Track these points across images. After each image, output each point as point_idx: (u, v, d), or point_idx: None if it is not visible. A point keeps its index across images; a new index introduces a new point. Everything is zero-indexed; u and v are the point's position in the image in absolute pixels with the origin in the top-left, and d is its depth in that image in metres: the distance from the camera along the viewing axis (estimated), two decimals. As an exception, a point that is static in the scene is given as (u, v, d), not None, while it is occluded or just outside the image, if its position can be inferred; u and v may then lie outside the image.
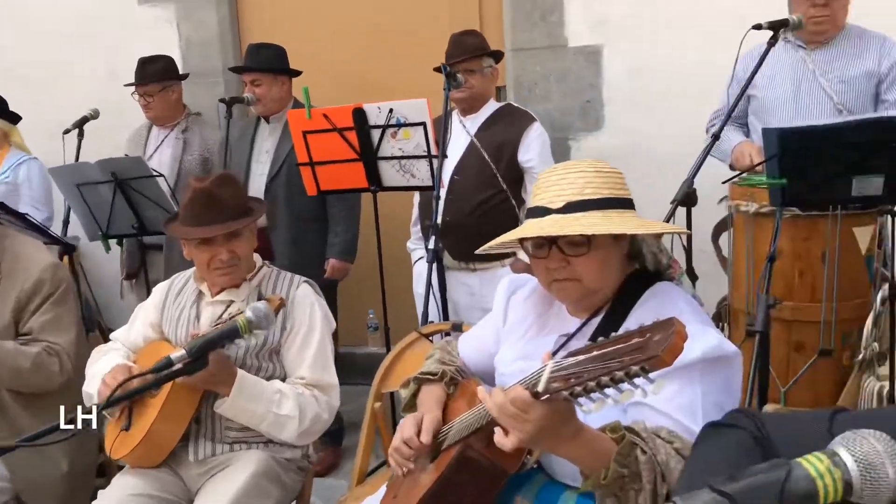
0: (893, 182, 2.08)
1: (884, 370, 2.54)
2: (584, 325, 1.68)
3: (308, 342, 2.29)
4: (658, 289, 1.64)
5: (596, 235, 1.56)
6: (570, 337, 1.69)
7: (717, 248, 3.14)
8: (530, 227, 1.62)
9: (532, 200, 1.68)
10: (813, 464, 0.69)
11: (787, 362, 2.79)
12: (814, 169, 2.08)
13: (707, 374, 1.47)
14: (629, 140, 3.78)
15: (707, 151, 2.38)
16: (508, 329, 1.86)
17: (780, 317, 2.62)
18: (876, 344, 2.57)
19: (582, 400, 1.20)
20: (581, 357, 1.22)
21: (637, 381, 1.10)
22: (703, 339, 1.47)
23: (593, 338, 1.58)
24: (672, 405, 1.45)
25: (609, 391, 1.14)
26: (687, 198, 2.33)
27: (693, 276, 2.46)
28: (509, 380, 1.47)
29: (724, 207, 2.99)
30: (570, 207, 1.59)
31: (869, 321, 2.57)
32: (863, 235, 2.59)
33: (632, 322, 1.57)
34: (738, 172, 2.71)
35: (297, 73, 3.67)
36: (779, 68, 2.94)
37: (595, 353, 1.20)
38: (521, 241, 1.70)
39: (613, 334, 1.20)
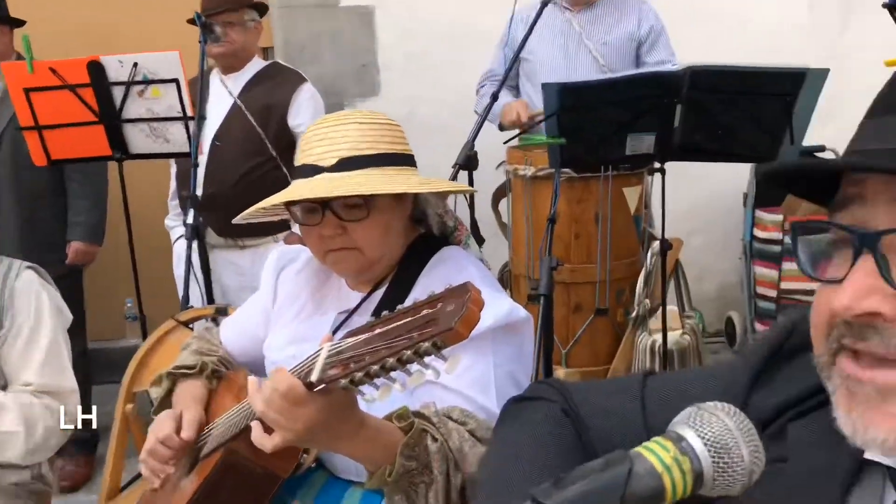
0: (664, 139, 2.10)
1: (655, 324, 2.64)
2: (365, 298, 1.49)
3: (34, 340, 1.89)
4: (446, 254, 1.48)
5: (375, 196, 1.36)
6: (351, 313, 1.49)
7: (498, 213, 3.11)
8: (298, 189, 1.39)
9: (299, 158, 1.45)
10: (657, 454, 0.55)
11: (567, 324, 2.83)
12: (591, 127, 2.05)
13: (499, 343, 1.35)
14: (407, 108, 3.64)
15: (487, 111, 2.29)
16: (279, 309, 1.62)
17: (559, 279, 2.63)
18: (647, 301, 2.67)
19: (365, 388, 1.00)
20: (361, 337, 1.03)
21: (428, 359, 0.93)
22: (495, 306, 1.33)
23: (376, 312, 1.39)
24: (463, 381, 1.30)
25: (396, 374, 0.96)
26: (468, 161, 2.23)
27: (480, 239, 2.37)
28: None
29: (502, 173, 2.96)
30: (344, 164, 1.38)
31: (640, 279, 2.65)
32: (631, 196, 2.67)
33: (419, 292, 1.40)
34: (518, 132, 2.67)
35: (20, 23, 3.09)
36: (547, 31, 2.95)
37: (378, 330, 1.01)
38: (288, 206, 1.46)
39: (399, 307, 1.02)
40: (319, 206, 1.38)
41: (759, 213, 3.76)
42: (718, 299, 4.14)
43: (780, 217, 3.64)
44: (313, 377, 1.05)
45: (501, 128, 2.90)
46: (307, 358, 1.11)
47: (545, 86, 2.05)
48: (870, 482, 0.69)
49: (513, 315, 1.36)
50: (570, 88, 2.01)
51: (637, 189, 2.69)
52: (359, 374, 0.97)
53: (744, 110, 1.96)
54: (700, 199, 3.94)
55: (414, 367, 0.95)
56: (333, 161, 1.38)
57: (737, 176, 3.76)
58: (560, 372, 2.16)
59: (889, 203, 0.58)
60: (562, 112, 1.99)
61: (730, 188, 3.91)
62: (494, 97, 2.37)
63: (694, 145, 2.11)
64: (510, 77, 3.07)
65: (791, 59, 2.83)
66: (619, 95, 2.04)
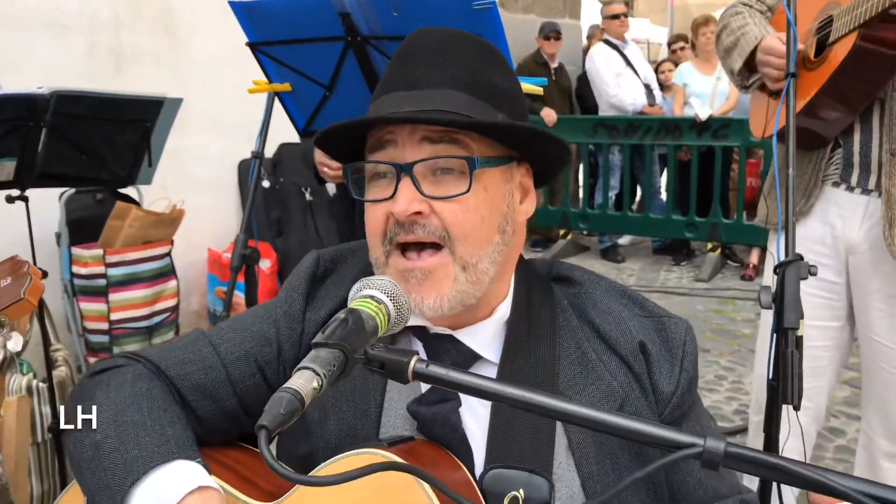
0: (26, 165, 2.08)
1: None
2: None
3: None
4: None
5: None
6: None
7: None
8: None
9: None
10: (367, 306, 0.80)
11: None
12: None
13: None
14: None
15: None
16: None
17: None
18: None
19: None
20: None
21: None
22: None
23: None
24: None
25: None
26: None
27: None
28: None
29: None
30: None
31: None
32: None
33: None
34: None
35: None
36: None
37: None
38: None
39: None
40: None
41: (77, 251, 3.84)
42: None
43: (100, 251, 3.79)
44: None
45: None
46: None
47: None
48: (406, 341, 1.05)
49: None
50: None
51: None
52: None
53: (107, 134, 2.12)
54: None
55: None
56: None
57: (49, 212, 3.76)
58: None
59: (413, 146, 0.96)
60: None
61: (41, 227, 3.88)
62: None
63: (56, 171, 2.15)
64: None
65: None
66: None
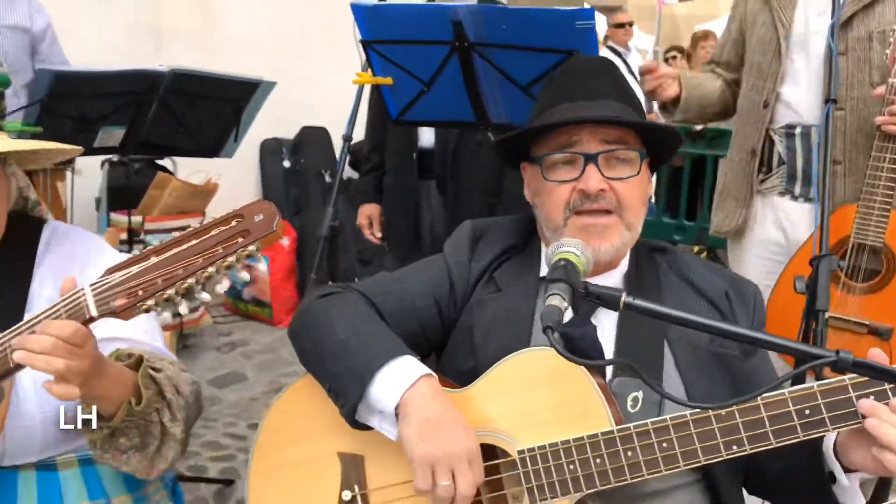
0: (132, 134, 2.30)
1: None
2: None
3: None
4: (57, 231, 1.47)
5: None
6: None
7: None
8: None
9: None
10: (574, 257, 1.13)
11: None
12: (75, 117, 2.11)
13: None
14: None
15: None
16: None
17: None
18: None
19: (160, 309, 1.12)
20: (143, 265, 1.13)
21: (250, 261, 1.13)
22: None
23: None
24: (138, 332, 1.40)
25: (218, 279, 1.11)
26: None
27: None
28: None
29: None
30: None
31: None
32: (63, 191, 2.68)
33: (45, 270, 1.39)
34: None
35: None
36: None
37: (169, 254, 1.13)
38: None
39: (178, 234, 1.15)
40: None
41: (116, 216, 4.04)
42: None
43: (139, 218, 3.99)
44: (93, 313, 1.09)
45: None
46: (54, 307, 1.12)
47: (39, 71, 2.00)
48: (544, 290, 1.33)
49: None
50: (66, 76, 2.02)
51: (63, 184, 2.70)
52: (168, 292, 1.10)
53: (205, 109, 2.34)
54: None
55: (222, 283, 1.13)
56: None
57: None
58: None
59: (597, 142, 1.28)
60: (49, 98, 2.00)
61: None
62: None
63: (155, 141, 2.37)
64: None
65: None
66: (111, 88, 2.14)
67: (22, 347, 1.10)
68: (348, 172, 5.69)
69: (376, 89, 2.16)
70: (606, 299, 1.05)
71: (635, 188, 1.30)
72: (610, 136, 1.28)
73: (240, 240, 1.11)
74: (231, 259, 1.10)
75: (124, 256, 1.35)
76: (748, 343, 1.12)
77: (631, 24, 6.59)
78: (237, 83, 2.34)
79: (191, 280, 1.10)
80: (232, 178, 5.05)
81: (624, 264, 1.37)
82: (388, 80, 2.08)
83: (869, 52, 2.05)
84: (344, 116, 2.43)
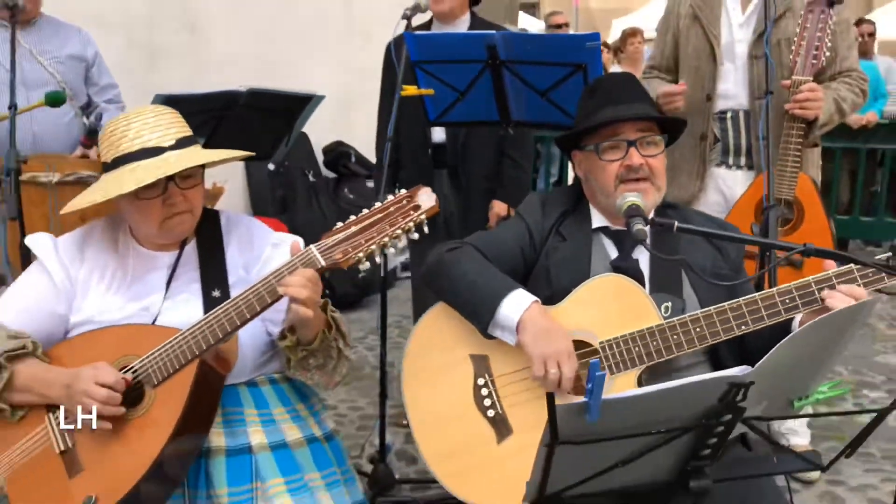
0: (208, 144, 2.76)
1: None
2: (181, 254, 1.85)
3: None
4: (229, 218, 1.97)
5: (205, 166, 1.82)
6: (175, 266, 1.83)
7: None
8: (153, 168, 1.69)
9: (123, 147, 1.72)
10: (638, 204, 1.72)
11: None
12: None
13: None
14: None
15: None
16: (83, 284, 1.78)
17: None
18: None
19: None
20: (340, 236, 1.65)
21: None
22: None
23: (203, 259, 1.82)
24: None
25: (400, 238, 1.65)
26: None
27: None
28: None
29: None
30: (181, 143, 1.77)
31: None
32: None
33: (233, 248, 1.89)
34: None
35: None
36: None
37: (353, 228, 1.65)
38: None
39: (366, 210, 1.67)
40: (163, 180, 1.72)
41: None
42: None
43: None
44: (322, 263, 1.61)
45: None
46: (289, 262, 1.63)
47: (155, 97, 2.43)
48: (599, 240, 1.91)
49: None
50: (174, 98, 2.45)
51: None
52: (372, 247, 1.63)
53: (263, 119, 2.80)
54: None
55: (401, 240, 1.66)
56: (173, 141, 1.75)
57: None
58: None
59: (634, 131, 1.88)
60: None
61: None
62: None
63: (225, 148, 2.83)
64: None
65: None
66: (202, 106, 2.59)
67: (284, 284, 1.60)
68: (325, 172, 6.18)
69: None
70: (664, 226, 1.63)
71: (661, 162, 1.89)
72: (643, 127, 1.87)
73: (412, 213, 1.65)
74: (410, 224, 1.64)
75: (276, 231, 1.89)
76: (748, 244, 1.77)
77: (567, 25, 7.27)
78: (295, 97, 2.81)
79: (385, 239, 1.63)
80: (220, 180, 5.46)
81: (651, 214, 1.95)
82: (431, 91, 2.63)
83: (780, 55, 2.75)
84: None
